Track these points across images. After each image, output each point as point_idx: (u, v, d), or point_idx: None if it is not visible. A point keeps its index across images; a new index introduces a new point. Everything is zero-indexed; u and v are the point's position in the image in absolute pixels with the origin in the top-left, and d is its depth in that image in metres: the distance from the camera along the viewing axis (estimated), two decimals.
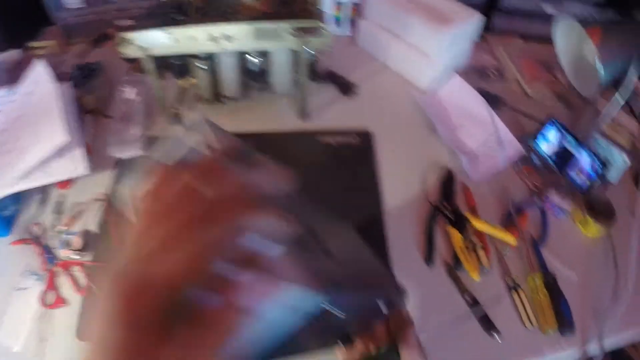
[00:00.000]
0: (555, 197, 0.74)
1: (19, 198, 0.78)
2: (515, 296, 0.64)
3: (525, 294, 0.64)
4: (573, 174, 0.77)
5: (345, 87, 0.90)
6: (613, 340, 0.61)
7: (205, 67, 0.78)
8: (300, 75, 0.78)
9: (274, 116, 0.87)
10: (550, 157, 0.80)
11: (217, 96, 0.84)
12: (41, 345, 0.65)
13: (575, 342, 0.60)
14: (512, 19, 1.04)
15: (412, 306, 0.60)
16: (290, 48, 0.74)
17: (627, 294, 0.64)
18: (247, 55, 0.78)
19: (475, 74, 0.95)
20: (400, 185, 0.76)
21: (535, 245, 0.70)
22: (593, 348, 0.60)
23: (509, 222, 0.72)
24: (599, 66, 0.71)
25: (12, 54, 0.99)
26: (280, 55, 0.77)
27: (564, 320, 0.61)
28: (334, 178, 0.73)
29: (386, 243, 0.69)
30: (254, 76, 0.81)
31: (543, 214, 0.74)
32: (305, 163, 0.78)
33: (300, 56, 0.75)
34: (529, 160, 0.81)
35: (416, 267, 0.67)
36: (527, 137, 0.82)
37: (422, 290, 0.63)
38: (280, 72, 0.80)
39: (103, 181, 0.79)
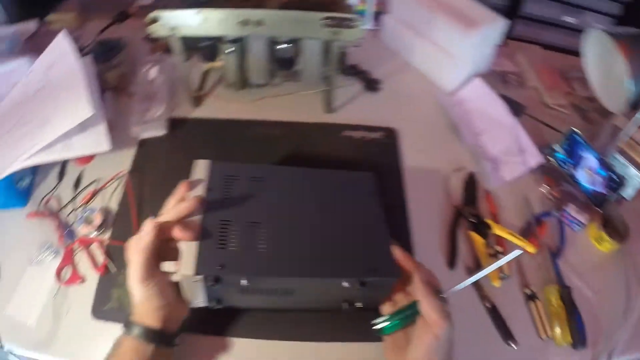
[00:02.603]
0: (572, 210, 0.72)
1: (35, 170, 0.74)
2: (532, 306, 0.62)
3: (542, 304, 0.62)
4: (589, 187, 0.74)
5: (370, 83, 0.85)
6: (622, 358, 0.59)
7: (234, 51, 0.73)
8: (329, 68, 0.74)
9: (299, 106, 0.83)
10: (568, 169, 0.77)
11: (243, 82, 0.80)
12: (55, 321, 0.61)
13: (586, 357, 0.58)
14: (532, 26, 1.00)
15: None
16: (321, 39, 0.69)
17: (637, 311, 0.62)
18: (277, 42, 0.73)
19: (496, 78, 0.91)
20: (424, 185, 0.73)
21: (553, 256, 0.67)
22: None
23: (528, 230, 0.70)
24: (629, 81, 0.68)
25: (27, 25, 0.93)
26: (310, 45, 0.72)
27: (577, 334, 0.59)
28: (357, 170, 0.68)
29: (410, 243, 0.66)
30: (283, 64, 0.76)
31: (561, 225, 0.72)
32: (330, 156, 0.74)
33: (331, 48, 0.70)
34: (548, 170, 0.78)
35: (438, 269, 0.63)
36: (547, 147, 0.79)
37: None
38: (309, 63, 0.75)
39: (123, 159, 0.74)
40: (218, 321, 0.58)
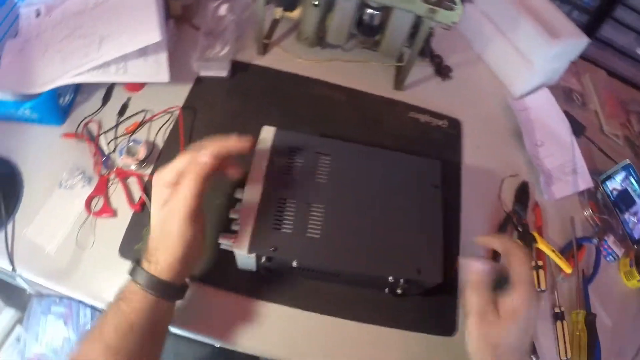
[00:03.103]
0: (611, 241, 0.71)
1: (78, 89, 0.66)
2: (559, 325, 0.62)
3: (568, 326, 0.62)
4: (630, 223, 0.74)
5: (442, 69, 0.81)
6: None
7: (318, 5, 0.66)
8: (414, 45, 0.68)
9: (369, 77, 0.78)
10: (614, 200, 0.76)
11: (318, 39, 0.73)
12: (78, 252, 0.56)
13: None
14: (603, 50, 0.97)
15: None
16: (416, 13, 0.63)
17: None
18: (367, 6, 0.67)
19: (561, 94, 0.88)
20: (479, 184, 0.71)
21: (585, 282, 0.67)
22: None
23: (567, 251, 0.69)
24: None
25: None
26: (401, 16, 0.67)
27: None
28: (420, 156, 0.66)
29: (458, 239, 0.65)
30: (366, 30, 0.70)
31: (597, 253, 0.71)
32: (393, 135, 0.71)
33: (422, 25, 0.65)
34: (594, 197, 0.77)
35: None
36: (597, 173, 0.78)
37: None
38: (394, 35, 0.70)
39: (176, 94, 0.68)
40: (256, 284, 0.56)
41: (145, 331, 0.42)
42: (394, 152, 0.59)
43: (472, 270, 0.47)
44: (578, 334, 0.61)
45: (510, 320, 0.43)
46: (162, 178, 0.43)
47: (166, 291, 0.43)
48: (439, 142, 0.73)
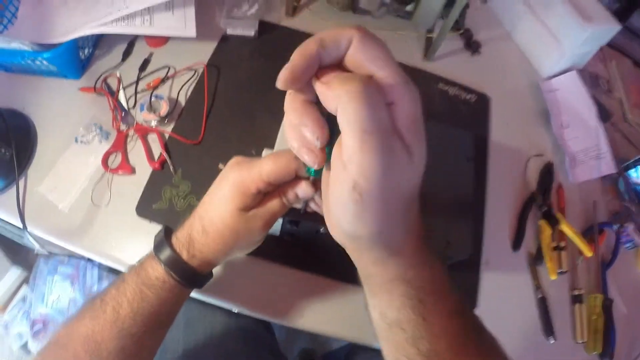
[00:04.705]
0: (631, 229, 0.69)
1: (97, 41, 0.61)
2: (577, 308, 0.61)
3: (585, 309, 0.61)
4: None
5: (471, 43, 0.77)
6: None
7: None
8: (449, 16, 0.64)
9: (399, 45, 0.74)
10: (636, 188, 0.73)
11: (349, 3, 0.68)
12: (92, 210, 0.52)
13: None
14: (631, 39, 0.93)
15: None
16: None
17: None
18: None
19: (588, 78, 0.84)
20: (504, 162, 0.68)
21: (604, 267, 0.65)
22: None
23: (588, 235, 0.67)
24: None
25: None
26: None
27: (609, 345, 0.58)
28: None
29: (483, 216, 0.62)
30: None
31: (617, 239, 0.69)
32: (422, 104, 0.66)
33: None
34: (616, 183, 0.74)
35: (502, 247, 0.62)
36: (620, 160, 0.75)
37: (500, 271, 0.59)
38: (430, 5, 0.65)
39: (201, 51, 0.64)
40: (277, 250, 0.52)
41: (164, 318, 0.39)
42: (428, 121, 0.56)
43: None
44: (595, 317, 0.60)
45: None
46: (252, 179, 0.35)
47: (199, 282, 0.40)
48: (467, 116, 0.70)
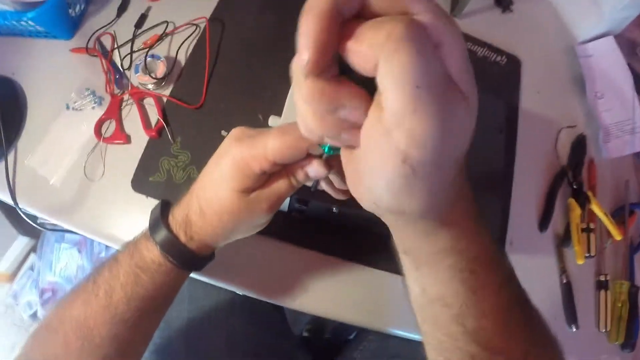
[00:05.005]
0: None
1: None
2: (602, 295, 0.57)
3: (610, 296, 0.57)
4: None
5: (503, 0, 0.70)
6: None
7: None
8: None
9: None
10: None
11: None
12: (85, 184, 0.49)
13: None
14: None
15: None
16: None
17: None
18: None
19: (625, 46, 0.76)
20: (534, 132, 0.63)
21: (632, 251, 0.61)
22: None
23: (616, 216, 0.62)
24: None
25: None
26: None
27: (631, 336, 0.55)
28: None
29: (510, 191, 0.57)
30: None
31: None
32: None
33: None
34: None
35: (529, 227, 0.58)
36: None
37: (525, 253, 0.56)
38: None
39: (203, 4, 0.58)
40: (283, 227, 0.48)
41: (159, 302, 0.36)
42: None
43: None
44: (620, 305, 0.57)
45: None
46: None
47: (197, 265, 0.36)
48: (497, 80, 0.64)
